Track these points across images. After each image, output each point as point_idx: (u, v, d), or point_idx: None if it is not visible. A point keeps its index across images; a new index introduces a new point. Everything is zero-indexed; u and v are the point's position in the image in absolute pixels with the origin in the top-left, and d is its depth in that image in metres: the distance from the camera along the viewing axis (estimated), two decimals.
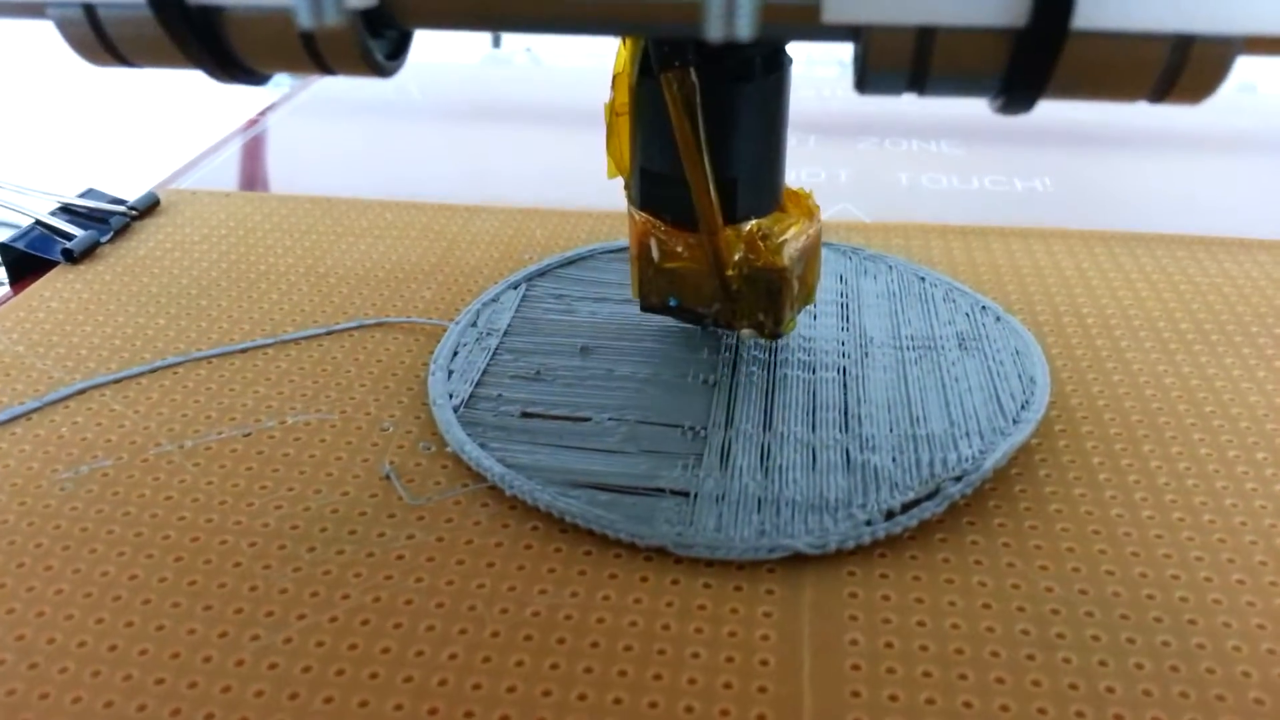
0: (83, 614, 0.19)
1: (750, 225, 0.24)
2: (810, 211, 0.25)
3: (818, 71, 0.56)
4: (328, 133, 0.47)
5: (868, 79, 0.16)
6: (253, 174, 0.43)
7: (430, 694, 0.17)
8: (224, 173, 0.41)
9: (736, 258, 0.24)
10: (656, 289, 0.26)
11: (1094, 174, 0.42)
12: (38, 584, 0.20)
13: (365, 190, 0.37)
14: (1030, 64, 0.15)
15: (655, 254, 0.25)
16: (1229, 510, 0.21)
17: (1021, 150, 0.44)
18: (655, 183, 0.24)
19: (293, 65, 0.17)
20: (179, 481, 0.22)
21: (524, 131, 0.47)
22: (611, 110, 0.24)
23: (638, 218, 0.25)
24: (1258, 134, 0.46)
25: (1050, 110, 0.18)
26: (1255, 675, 0.18)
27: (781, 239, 0.24)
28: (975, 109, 0.20)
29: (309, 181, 0.41)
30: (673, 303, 0.26)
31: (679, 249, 0.24)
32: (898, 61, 0.15)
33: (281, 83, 0.52)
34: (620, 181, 0.25)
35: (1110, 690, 0.17)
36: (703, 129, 0.22)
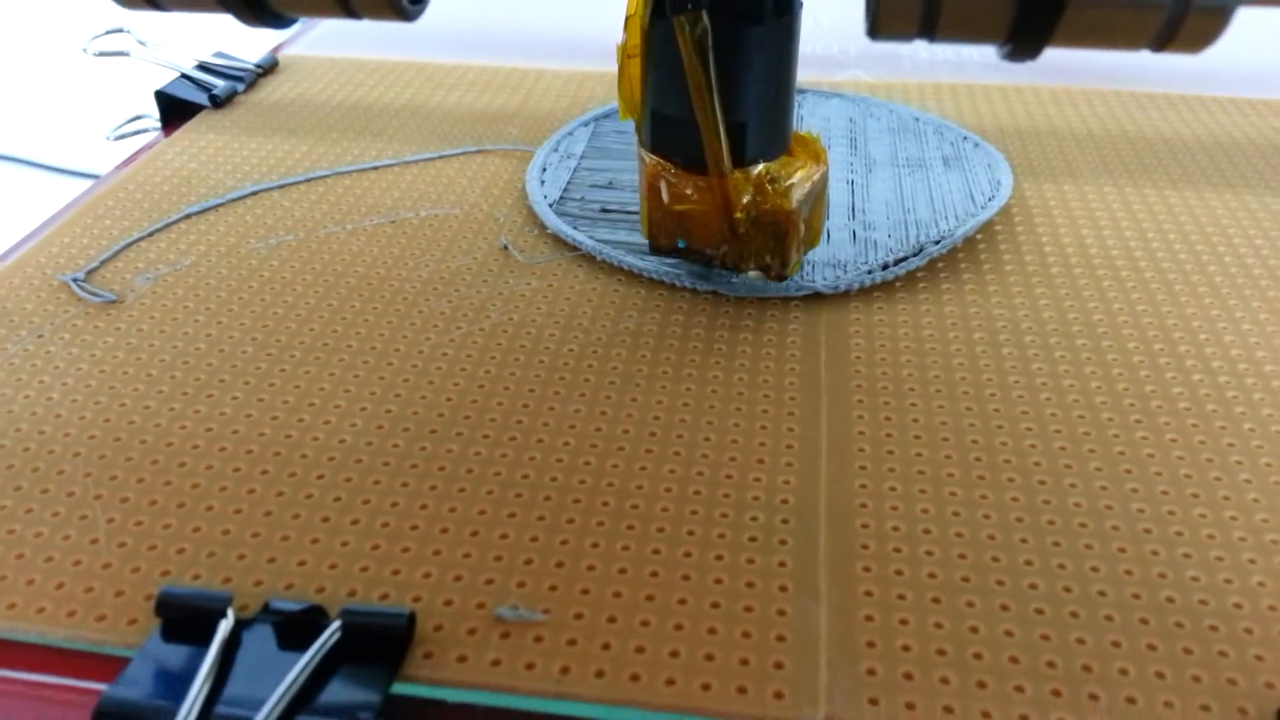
0: (298, 325, 0.26)
1: (759, 169, 0.25)
2: (818, 155, 0.26)
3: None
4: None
5: (879, 28, 0.17)
6: None
7: (560, 369, 0.25)
8: None
9: (745, 200, 0.25)
10: (665, 230, 0.26)
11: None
12: (249, 319, 0.27)
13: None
14: (1036, 17, 0.16)
15: (665, 196, 0.26)
16: (1142, 269, 0.28)
17: None
18: (666, 125, 0.25)
19: (318, 9, 0.18)
20: (350, 249, 0.30)
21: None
22: (623, 52, 0.25)
23: (648, 160, 0.26)
24: None
25: None
26: (1142, 355, 0.25)
27: (789, 183, 0.25)
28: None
29: None
30: (681, 244, 0.26)
31: (688, 191, 0.25)
32: (909, 13, 0.16)
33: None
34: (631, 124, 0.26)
35: (1039, 369, 0.25)
36: (713, 72, 0.23)
